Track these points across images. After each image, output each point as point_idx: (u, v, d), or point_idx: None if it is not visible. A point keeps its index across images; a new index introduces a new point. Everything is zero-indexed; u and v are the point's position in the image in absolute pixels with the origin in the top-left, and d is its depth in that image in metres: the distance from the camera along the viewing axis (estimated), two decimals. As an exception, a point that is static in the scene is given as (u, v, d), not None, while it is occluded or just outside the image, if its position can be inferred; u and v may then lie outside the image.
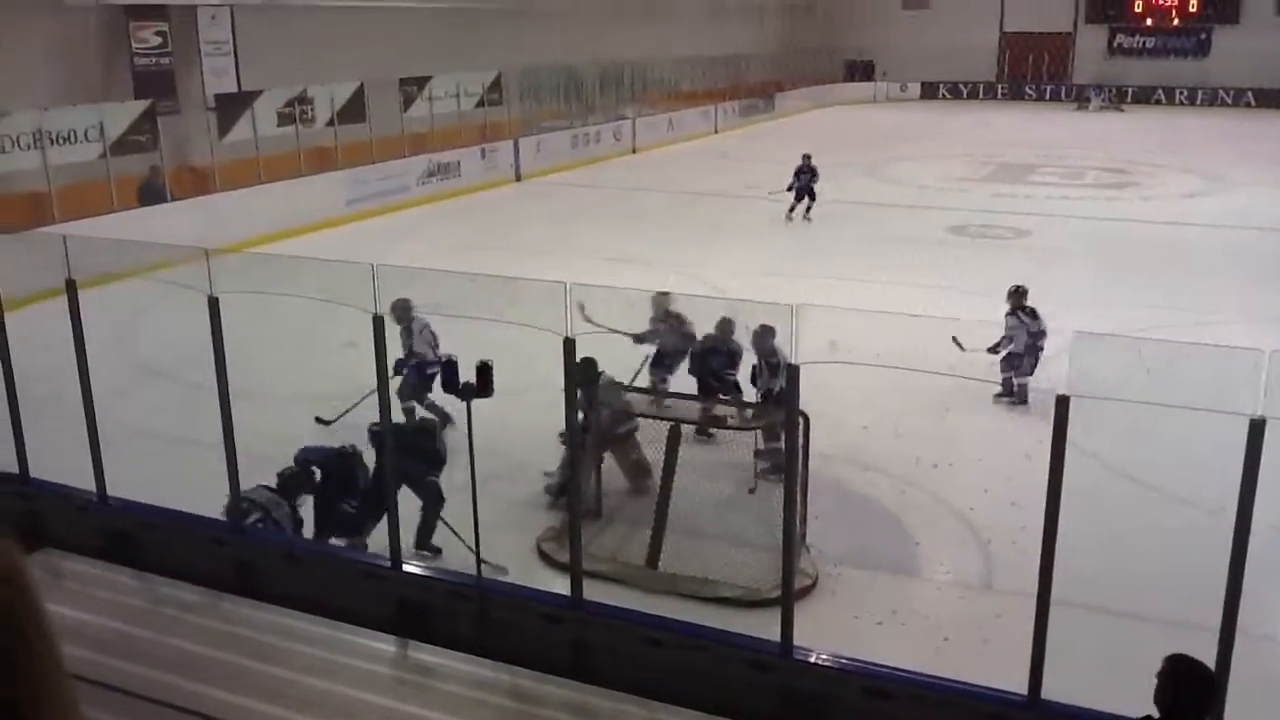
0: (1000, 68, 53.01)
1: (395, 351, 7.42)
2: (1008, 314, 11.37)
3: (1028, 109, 48.30)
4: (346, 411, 9.91)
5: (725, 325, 9.88)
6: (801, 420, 7.63)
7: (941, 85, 52.63)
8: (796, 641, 6.12)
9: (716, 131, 37.72)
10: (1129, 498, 8.97)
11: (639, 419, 8.80)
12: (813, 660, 6.08)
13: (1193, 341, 7.13)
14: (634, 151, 32.73)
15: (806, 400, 6.19)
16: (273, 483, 7.88)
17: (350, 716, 5.57)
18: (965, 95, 52.36)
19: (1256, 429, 4.95)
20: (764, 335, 9.44)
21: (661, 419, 8.53)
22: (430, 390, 10.13)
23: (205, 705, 5.43)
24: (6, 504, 8.21)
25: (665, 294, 10.38)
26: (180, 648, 6.28)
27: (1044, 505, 5.36)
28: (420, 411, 10.35)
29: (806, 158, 21.98)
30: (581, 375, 9.29)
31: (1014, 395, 11.17)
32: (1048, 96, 51.24)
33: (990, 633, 6.76)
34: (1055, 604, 5.53)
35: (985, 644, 6.66)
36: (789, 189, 21.73)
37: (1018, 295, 11.55)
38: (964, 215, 21.85)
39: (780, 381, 9.34)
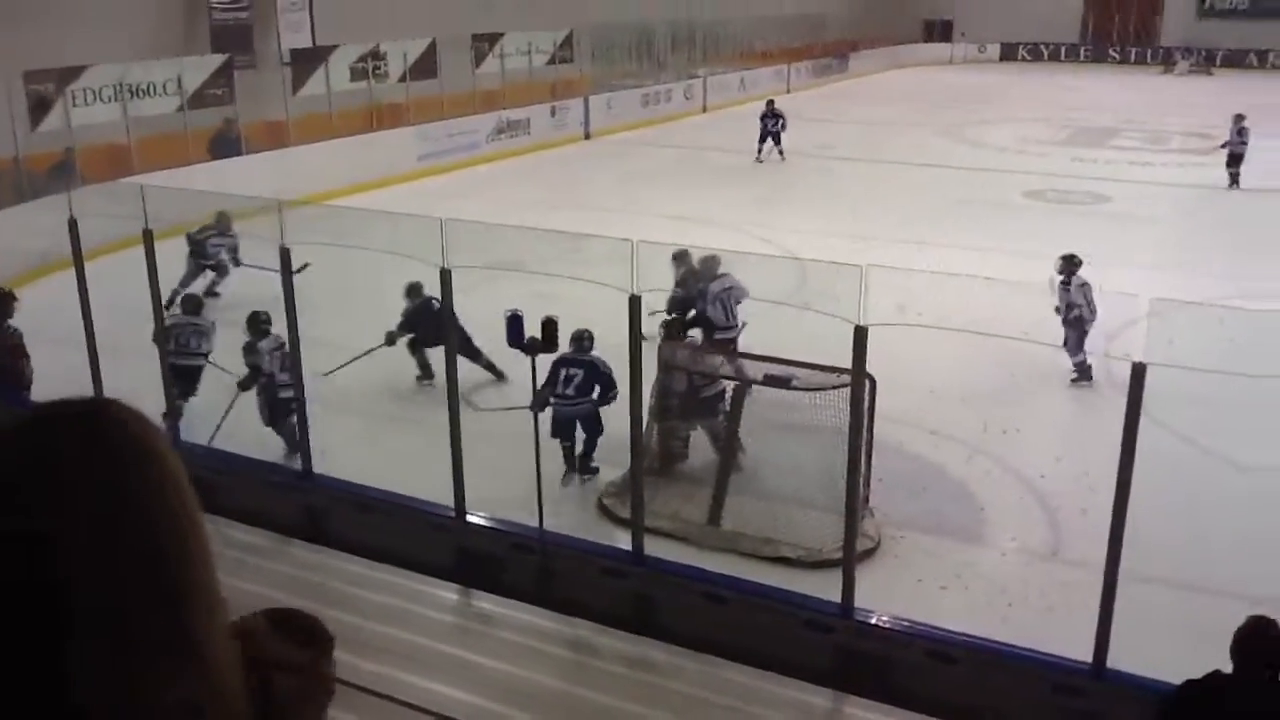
0: (1084, 28, 51.51)
1: (462, 304, 7.44)
2: (1061, 283, 10.60)
3: (1111, 71, 46.93)
4: (345, 365, 9.91)
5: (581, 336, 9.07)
6: (867, 383, 7.59)
7: (1022, 46, 51.32)
8: (858, 603, 6.10)
9: (789, 91, 37.20)
10: (1205, 468, 8.75)
11: (723, 382, 8.73)
12: (874, 621, 6.05)
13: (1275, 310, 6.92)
14: (704, 110, 32.44)
15: (873, 363, 6.12)
16: None
17: (412, 661, 5.67)
18: (1046, 57, 51.02)
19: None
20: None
21: (724, 378, 8.50)
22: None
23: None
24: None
25: (685, 252, 10.36)
26: (247, 590, 6.41)
27: (1115, 474, 5.25)
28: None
29: (770, 103, 24.29)
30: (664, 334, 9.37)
31: (1085, 377, 10.50)
32: (1133, 59, 49.68)
33: (1056, 601, 6.66)
34: (1124, 575, 5.44)
35: (1050, 612, 6.57)
36: (761, 139, 23.67)
37: (1070, 264, 10.73)
38: (1042, 180, 21.37)
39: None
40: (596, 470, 8.85)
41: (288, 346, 8.09)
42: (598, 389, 8.52)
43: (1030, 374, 10.33)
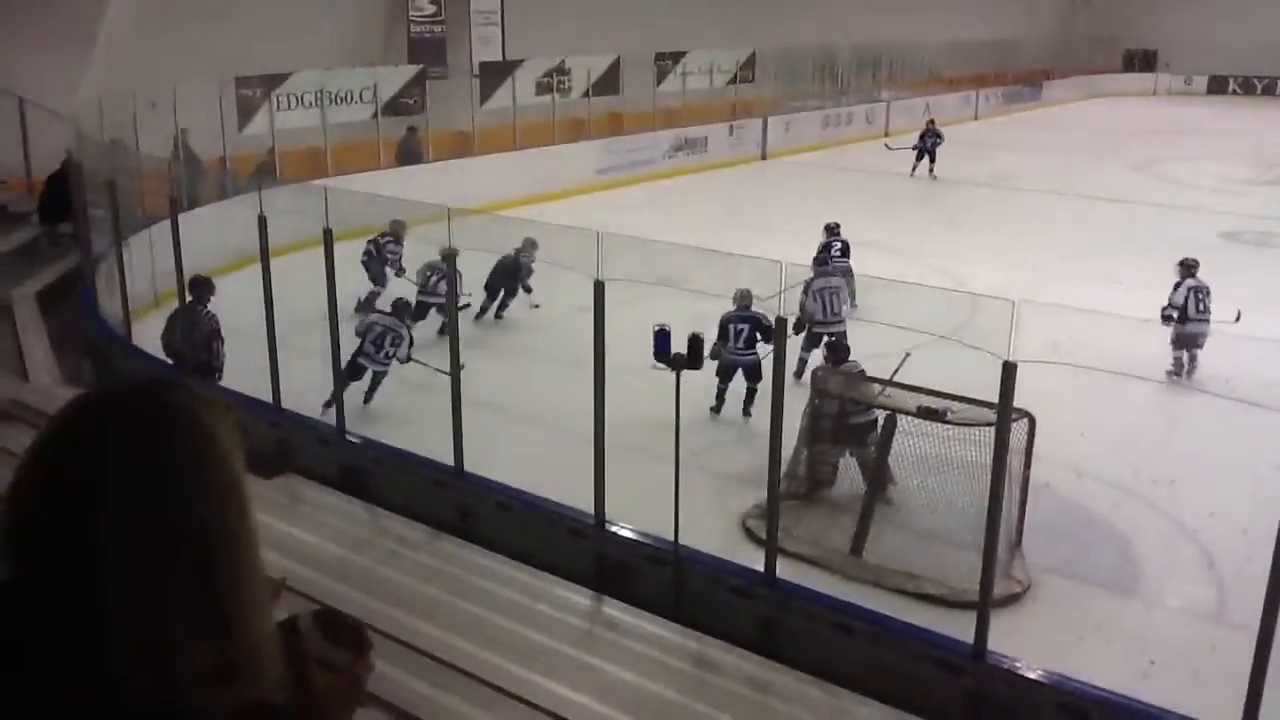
0: (1303, 61, 48.40)
1: (623, 317, 7.59)
2: (1175, 284, 11.31)
3: (1331, 107, 43.98)
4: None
5: (744, 296, 9.96)
6: (1027, 420, 7.37)
7: (1232, 79, 48.59)
8: (993, 646, 5.94)
9: (976, 118, 36.33)
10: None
11: (878, 411, 8.63)
12: (1005, 667, 5.87)
13: None
14: (887, 135, 31.98)
15: (1025, 400, 5.95)
16: None
17: (538, 660, 5.81)
18: (1260, 90, 48.14)
19: None
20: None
21: (876, 407, 8.39)
22: None
23: (404, 633, 5.80)
24: (259, 429, 8.98)
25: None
26: (392, 578, 6.72)
27: (1277, 534, 4.97)
28: None
29: (930, 122, 25.09)
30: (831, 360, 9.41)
31: (1181, 373, 10.70)
32: (1356, 95, 46.44)
33: (1202, 664, 6.31)
34: (1281, 643, 5.13)
35: (1195, 674, 6.23)
36: (913, 148, 24.29)
37: (1186, 268, 11.44)
38: (1240, 220, 20.20)
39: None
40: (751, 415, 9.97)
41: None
42: (760, 339, 9.79)
43: (1190, 422, 9.81)
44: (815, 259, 12.46)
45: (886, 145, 25.39)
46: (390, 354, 9.95)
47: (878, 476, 8.38)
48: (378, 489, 8.39)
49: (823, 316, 10.96)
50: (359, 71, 19.08)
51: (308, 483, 8.43)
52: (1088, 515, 8.40)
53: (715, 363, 9.74)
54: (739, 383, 10.24)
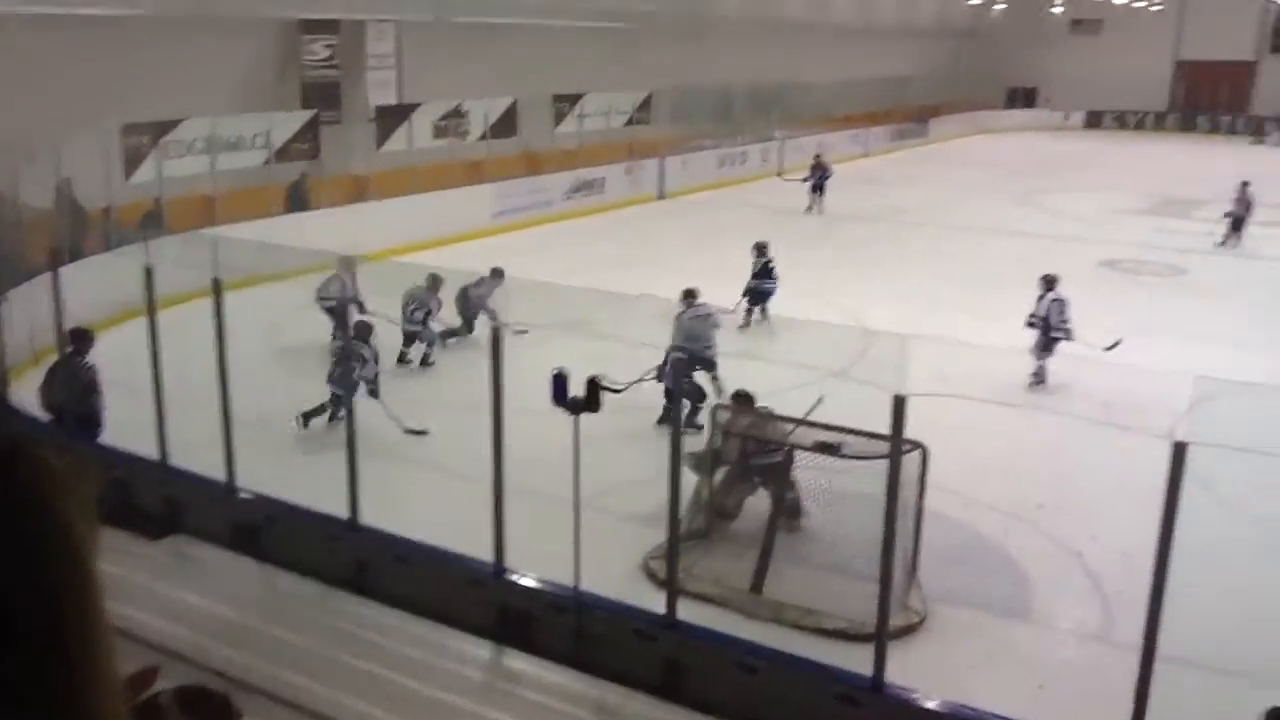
0: (1173, 97, 50.79)
1: (524, 360, 7.56)
2: (1038, 296, 12.61)
3: (1199, 142, 46.13)
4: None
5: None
6: (919, 452, 7.51)
7: (1108, 114, 50.74)
8: (890, 677, 6.01)
9: (867, 155, 37.23)
10: (1261, 551, 8.48)
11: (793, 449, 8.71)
12: (904, 698, 5.95)
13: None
14: (780, 173, 32.57)
15: (916, 431, 6.08)
16: None
17: (436, 718, 5.71)
18: (1133, 125, 50.36)
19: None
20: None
21: (773, 443, 8.48)
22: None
23: (297, 694, 5.65)
24: (145, 488, 8.70)
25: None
26: (287, 639, 6.55)
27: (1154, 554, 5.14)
28: None
29: (818, 157, 26.02)
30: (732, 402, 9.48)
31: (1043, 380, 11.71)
32: (1222, 129, 48.79)
33: (1090, 685, 6.48)
34: (1165, 659, 5.29)
35: (1083, 696, 6.39)
36: (803, 180, 25.41)
37: (1047, 283, 12.81)
38: (1119, 249, 21.03)
39: None
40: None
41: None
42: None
43: (1073, 447, 10.13)
44: (754, 275, 15.19)
45: (780, 178, 26.33)
46: (351, 377, 9.62)
47: (775, 513, 8.46)
48: (270, 546, 8.18)
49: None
50: (250, 117, 18.79)
51: (197, 543, 8.18)
52: (979, 543, 8.60)
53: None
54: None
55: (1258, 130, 46.94)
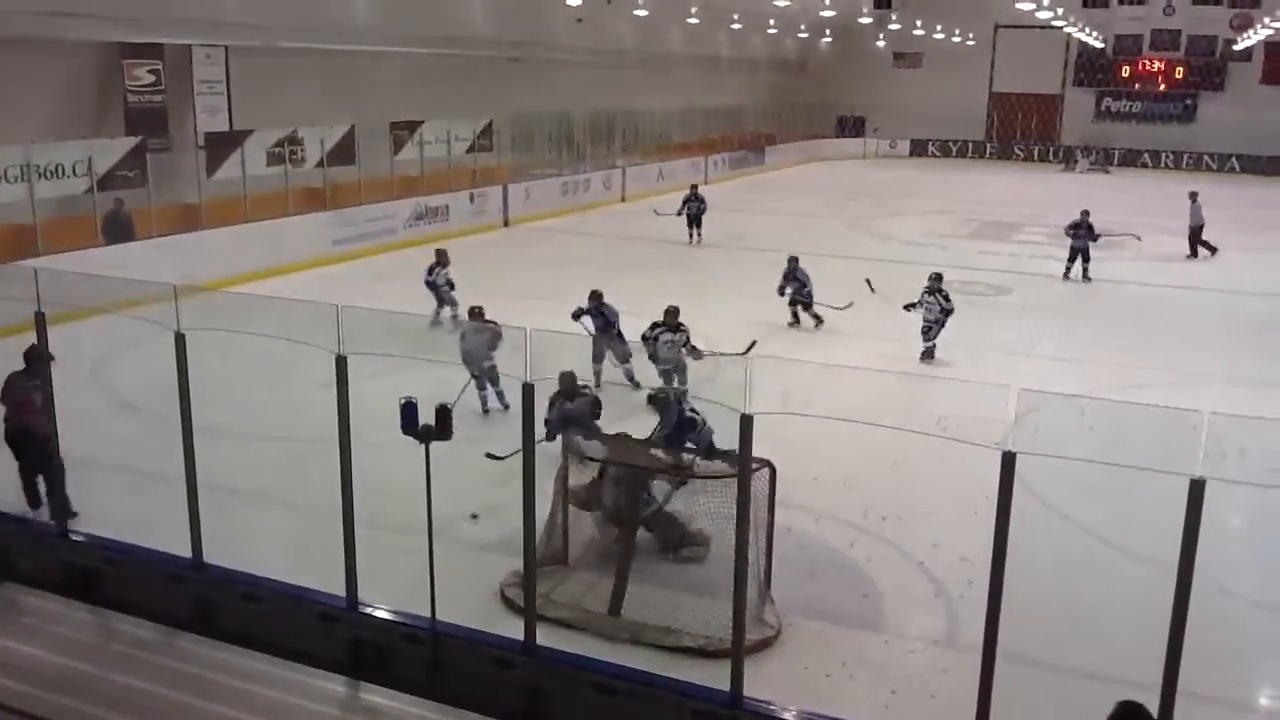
0: (989, 127, 53.71)
1: (370, 390, 7.42)
2: (925, 293, 15.38)
3: (1015, 169, 48.82)
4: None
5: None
6: (768, 470, 7.71)
7: (931, 143, 53.29)
8: (748, 691, 6.13)
9: (706, 182, 37.92)
10: (1088, 555, 9.02)
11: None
12: (763, 712, 6.07)
13: (1131, 402, 7.26)
14: (623, 200, 32.98)
15: (762, 449, 6.24)
16: None
17: (292, 757, 5.55)
18: (954, 153, 53.03)
19: (1197, 489, 5.01)
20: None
21: (625, 465, 8.55)
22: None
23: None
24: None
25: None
26: (130, 685, 6.26)
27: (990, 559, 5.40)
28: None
29: (694, 187, 26.18)
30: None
31: (929, 357, 15.22)
32: (1036, 157, 51.86)
33: (937, 687, 6.77)
34: (1005, 659, 5.56)
35: (932, 699, 6.67)
36: (678, 214, 25.29)
37: (936, 279, 15.53)
38: (946, 271, 21.93)
39: None
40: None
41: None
42: None
43: (910, 461, 10.57)
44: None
45: (655, 211, 26.15)
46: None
47: (628, 536, 8.52)
48: (108, 590, 7.80)
49: None
50: (71, 144, 17.93)
51: (27, 590, 7.73)
52: (829, 555, 8.87)
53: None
54: None
55: (1068, 158, 49.99)
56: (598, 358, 13.02)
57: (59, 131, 18.32)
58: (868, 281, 16.74)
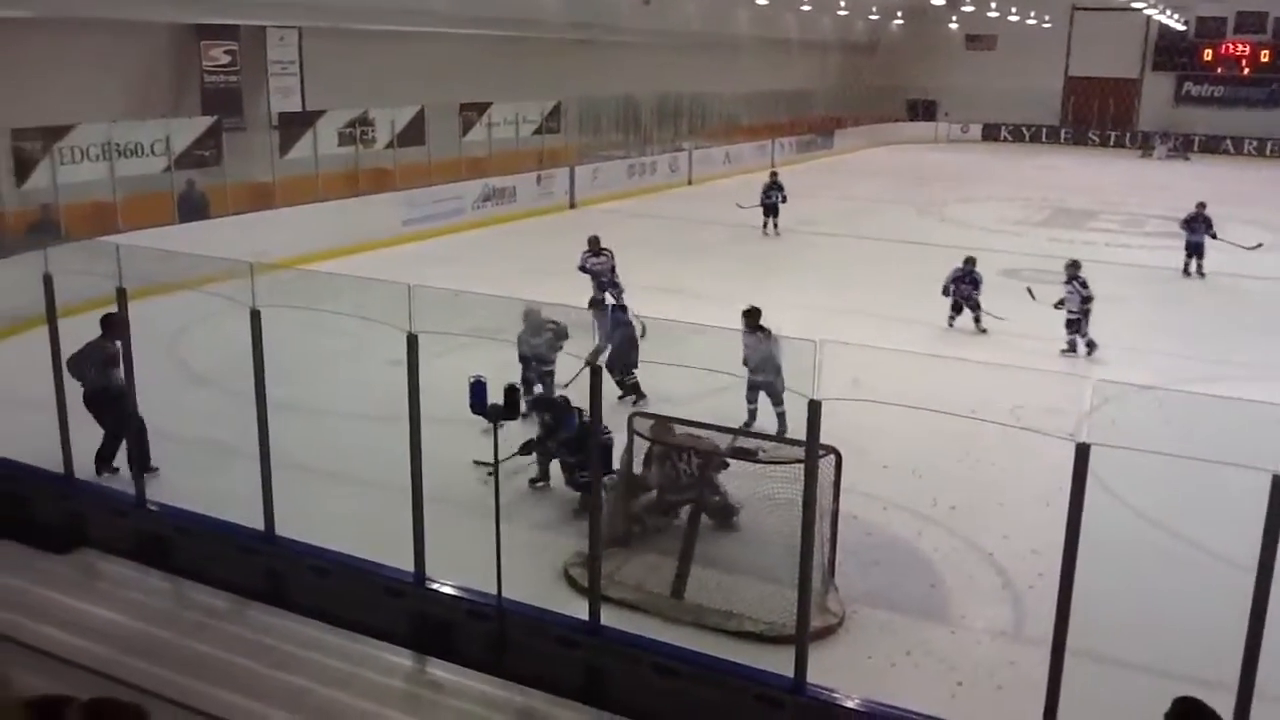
0: (1064, 112, 52.62)
1: (437, 369, 7.49)
2: (1065, 282, 14.90)
3: (1091, 154, 47.81)
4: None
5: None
6: (834, 456, 7.65)
7: (1004, 127, 52.35)
8: (810, 678, 6.11)
9: (773, 165, 37.76)
10: (1161, 549, 8.83)
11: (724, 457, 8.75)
12: (825, 699, 6.05)
13: (1210, 394, 7.07)
14: (690, 183, 32.88)
15: (830, 436, 6.19)
16: None
17: (358, 727, 5.65)
18: (1028, 138, 51.99)
19: (1278, 485, 4.88)
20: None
21: (690, 449, 8.55)
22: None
23: (219, 708, 5.54)
24: (49, 502, 8.43)
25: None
26: (203, 652, 6.41)
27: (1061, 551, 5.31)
28: None
29: (773, 174, 25.07)
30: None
31: (1076, 350, 14.72)
32: (1112, 143, 50.70)
33: (1004, 679, 6.68)
34: (1073, 653, 5.48)
35: (999, 690, 6.58)
36: (761, 204, 24.37)
37: (1074, 266, 14.98)
38: (1018, 259, 21.62)
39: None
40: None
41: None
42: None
43: (982, 450, 10.43)
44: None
45: (738, 205, 25.23)
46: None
47: (694, 518, 8.53)
48: (180, 559, 7.99)
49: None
50: (149, 124, 18.31)
51: (104, 556, 7.94)
52: (894, 544, 8.79)
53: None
54: None
55: (1145, 144, 48.83)
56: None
57: (138, 111, 18.73)
58: (1029, 290, 15.94)
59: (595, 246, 16.04)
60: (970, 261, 16.68)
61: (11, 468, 8.85)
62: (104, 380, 9.51)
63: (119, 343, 9.13)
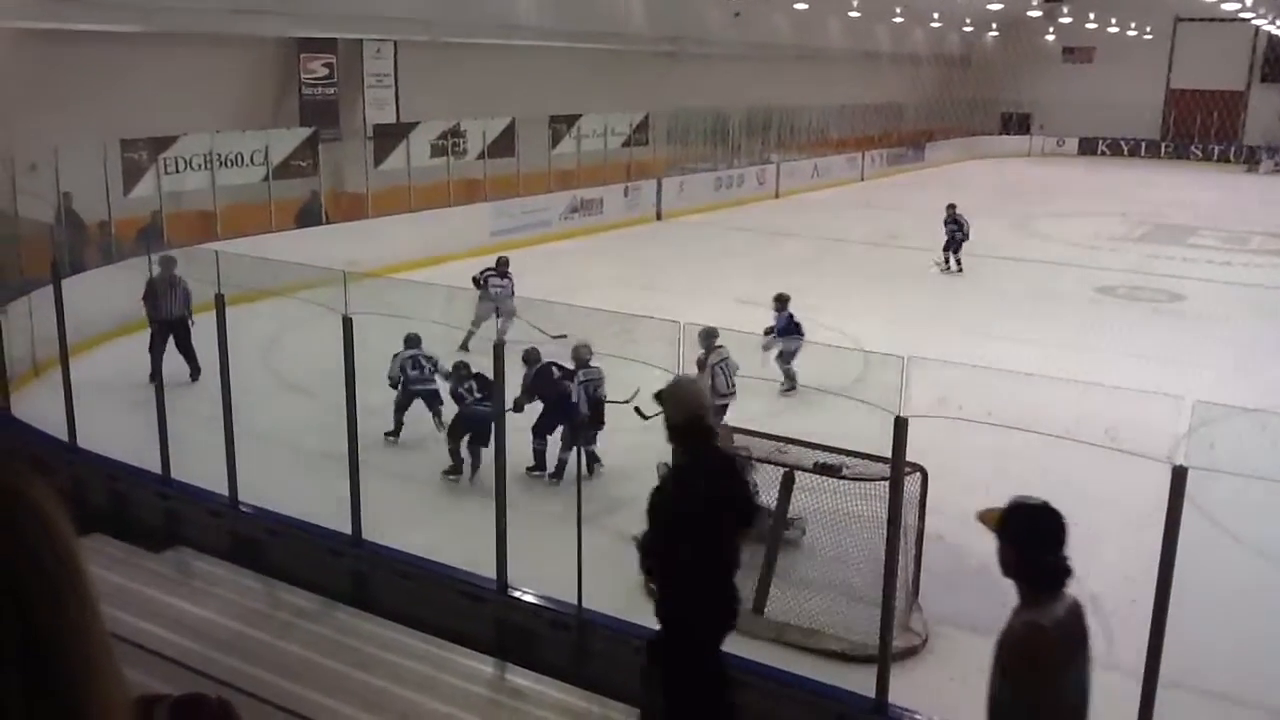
0: (1165, 125, 51.25)
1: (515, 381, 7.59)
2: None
3: (1192, 169, 46.47)
4: None
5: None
6: (920, 475, 7.54)
7: (1101, 141, 51.19)
8: (893, 699, 6.02)
9: (863, 179, 37.45)
10: (1261, 580, 8.52)
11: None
12: (906, 719, 5.96)
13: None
14: (777, 196, 32.77)
15: (916, 454, 6.11)
16: None
17: (440, 731, 5.71)
18: (1126, 152, 50.78)
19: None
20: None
21: (773, 464, 8.49)
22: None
23: (303, 707, 5.65)
24: (147, 501, 8.69)
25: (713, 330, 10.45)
26: (291, 652, 6.54)
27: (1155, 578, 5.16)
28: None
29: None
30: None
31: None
32: (1215, 157, 49.21)
33: (1092, 707, 6.48)
34: (1165, 684, 5.31)
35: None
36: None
37: (780, 300, 13.81)
38: (1115, 275, 21.15)
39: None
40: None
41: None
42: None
43: (1073, 471, 10.16)
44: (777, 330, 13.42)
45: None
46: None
47: (776, 534, 8.47)
48: (270, 559, 8.18)
49: (725, 390, 10.85)
50: (250, 134, 18.87)
51: (198, 555, 8.17)
52: (980, 566, 8.58)
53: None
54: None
55: (1250, 158, 47.32)
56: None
57: (239, 122, 19.29)
58: (638, 409, 13.38)
59: (503, 267, 15.04)
60: (952, 208, 18.09)
61: (113, 466, 9.17)
62: (166, 309, 11.89)
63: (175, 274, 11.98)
